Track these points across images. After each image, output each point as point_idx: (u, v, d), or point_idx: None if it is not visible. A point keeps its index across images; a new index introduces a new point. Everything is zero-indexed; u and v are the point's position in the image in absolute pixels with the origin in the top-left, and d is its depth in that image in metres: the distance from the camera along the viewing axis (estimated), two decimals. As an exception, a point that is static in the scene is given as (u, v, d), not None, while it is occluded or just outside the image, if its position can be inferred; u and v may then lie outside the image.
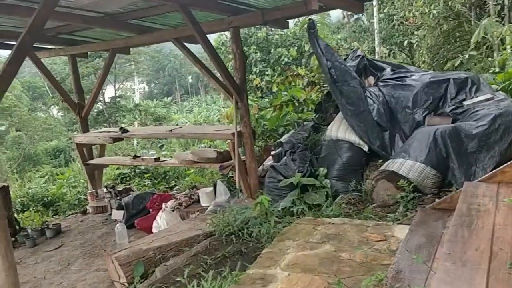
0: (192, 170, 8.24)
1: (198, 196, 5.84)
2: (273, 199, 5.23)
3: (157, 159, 6.65)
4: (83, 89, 7.51)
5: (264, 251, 3.84)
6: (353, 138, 5.24)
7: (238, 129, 5.82)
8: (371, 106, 5.39)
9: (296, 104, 6.31)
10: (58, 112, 35.87)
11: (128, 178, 9.17)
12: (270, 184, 5.25)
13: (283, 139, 5.96)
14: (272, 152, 6.19)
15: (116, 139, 6.81)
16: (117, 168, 9.41)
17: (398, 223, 4.17)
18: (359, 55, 6.02)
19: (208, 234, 4.66)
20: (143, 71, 37.97)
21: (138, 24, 6.23)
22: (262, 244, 4.20)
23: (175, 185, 7.98)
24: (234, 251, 4.20)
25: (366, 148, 5.23)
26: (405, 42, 14.44)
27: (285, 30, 16.37)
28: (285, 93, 6.40)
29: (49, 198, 8.07)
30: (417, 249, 3.37)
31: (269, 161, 6.16)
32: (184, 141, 18.01)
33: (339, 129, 5.35)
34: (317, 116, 6.30)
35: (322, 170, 5.08)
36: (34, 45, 7.09)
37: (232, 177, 6.99)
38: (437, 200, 4.24)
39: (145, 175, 9.12)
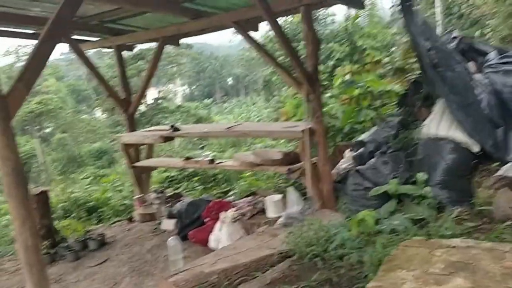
0: (247, 173, 7.33)
1: (263, 204, 4.91)
2: (357, 211, 4.25)
3: (211, 161, 5.78)
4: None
5: (371, 284, 2.84)
6: (459, 136, 4.17)
7: (309, 126, 4.88)
8: (479, 96, 4.31)
9: (374, 96, 5.30)
10: (102, 114, 36.05)
11: (176, 182, 8.37)
12: (354, 192, 4.26)
13: (365, 137, 4.96)
14: (348, 153, 5.20)
15: (167, 138, 5.98)
16: (164, 171, 8.63)
17: (546, 248, 3.10)
18: (455, 37, 4.94)
19: (284, 254, 3.72)
20: (185, 73, 37.65)
21: (192, 7, 5.38)
22: (359, 271, 3.22)
23: (229, 190, 7.08)
24: (322, 280, 3.23)
25: (476, 149, 4.15)
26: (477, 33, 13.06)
27: (336, 25, 15.34)
28: (360, 84, 5.40)
29: (92, 203, 7.36)
30: None
31: (343, 164, 5.17)
32: (226, 142, 17.10)
33: (439, 126, 4.29)
34: (400, 110, 5.25)
35: (421, 176, 4.04)
36: (77, 38, 6.42)
37: (297, 182, 6.04)
38: None
39: (194, 178, 8.30)
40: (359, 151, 4.77)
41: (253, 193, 5.85)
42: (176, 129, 6.02)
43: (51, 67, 44.79)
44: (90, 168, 28.54)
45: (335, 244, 3.12)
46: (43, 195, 5.54)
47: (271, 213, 4.61)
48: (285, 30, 14.17)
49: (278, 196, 4.73)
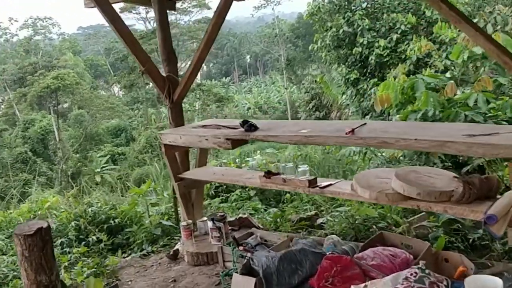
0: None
1: (446, 284, 2.52)
2: None
3: (312, 182, 3.37)
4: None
5: None
6: None
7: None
8: None
9: None
10: (120, 90, 33.76)
11: (224, 189, 6.00)
12: None
13: None
14: None
15: (237, 142, 3.57)
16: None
17: None
18: None
19: None
20: (205, 50, 34.92)
21: None
22: None
23: (317, 216, 4.63)
24: None
25: None
26: None
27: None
28: None
29: (116, 220, 5.01)
30: None
31: None
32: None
33: None
34: None
35: None
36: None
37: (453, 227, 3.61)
38: None
39: (250, 186, 5.91)
40: None
41: (377, 237, 3.46)
42: (251, 127, 3.60)
43: (69, 41, 42.25)
44: (108, 146, 26.44)
45: None
46: (42, 235, 3.18)
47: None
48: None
49: (483, 277, 2.31)
